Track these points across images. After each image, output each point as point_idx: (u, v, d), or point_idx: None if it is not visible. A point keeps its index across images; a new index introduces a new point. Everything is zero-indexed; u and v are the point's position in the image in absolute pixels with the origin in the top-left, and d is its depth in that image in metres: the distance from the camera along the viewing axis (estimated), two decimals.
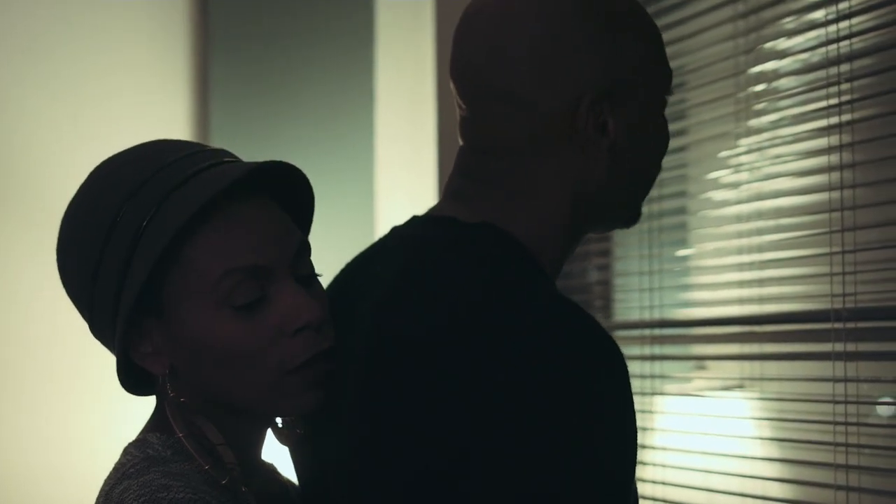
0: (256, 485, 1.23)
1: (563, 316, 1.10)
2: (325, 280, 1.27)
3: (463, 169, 1.29)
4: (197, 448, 1.15)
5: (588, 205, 1.27)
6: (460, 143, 1.31)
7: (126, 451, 1.19)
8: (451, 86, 1.32)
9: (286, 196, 1.25)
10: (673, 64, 2.32)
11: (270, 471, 1.33)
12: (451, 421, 1.07)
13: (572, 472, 1.05)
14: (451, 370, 1.08)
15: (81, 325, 1.23)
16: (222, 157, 1.20)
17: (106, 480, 1.17)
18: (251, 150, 3.32)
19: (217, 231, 1.14)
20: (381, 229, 2.92)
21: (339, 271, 1.35)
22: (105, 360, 1.26)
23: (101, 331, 1.19)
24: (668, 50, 2.32)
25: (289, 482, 1.36)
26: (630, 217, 1.35)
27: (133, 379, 1.22)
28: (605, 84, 1.23)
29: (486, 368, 1.06)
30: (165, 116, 3.18)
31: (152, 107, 3.17)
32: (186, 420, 1.16)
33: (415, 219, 1.30)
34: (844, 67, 1.86)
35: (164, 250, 1.12)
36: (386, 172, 3.04)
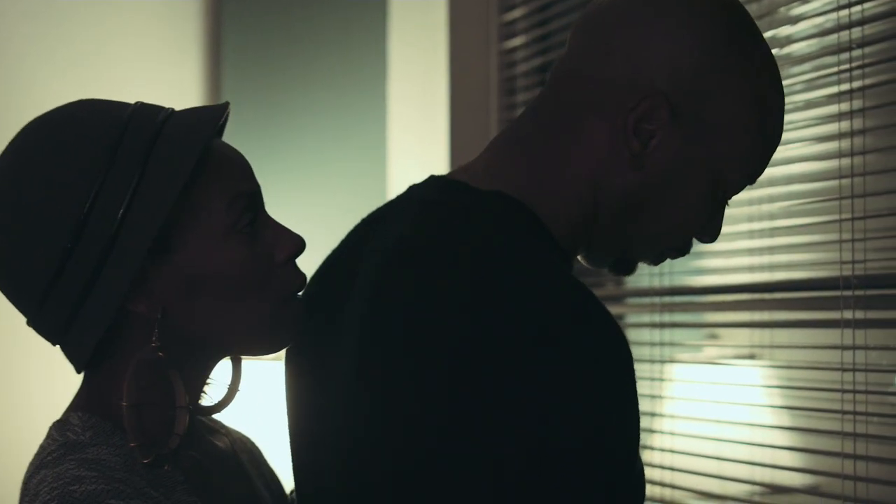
0: (193, 456, 1.20)
1: (566, 299, 1.07)
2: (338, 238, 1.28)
3: (505, 132, 1.27)
4: (132, 423, 1.13)
5: (598, 206, 1.22)
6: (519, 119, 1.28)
7: (49, 434, 1.18)
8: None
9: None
10: None
11: (215, 430, 1.32)
12: (445, 394, 1.04)
13: (570, 455, 1.02)
14: (447, 345, 1.06)
15: None
16: (159, 107, 1.20)
17: (29, 465, 1.16)
18: (263, 116, 3.32)
19: (215, 168, 1.16)
20: (393, 195, 2.91)
21: (354, 226, 1.34)
22: None
23: (60, 312, 1.13)
24: None
25: (239, 439, 1.35)
26: (618, 263, 1.30)
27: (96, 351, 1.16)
28: (679, 100, 1.18)
29: (484, 348, 1.04)
30: (177, 83, 3.18)
31: (164, 73, 3.17)
32: (147, 380, 1.14)
33: (431, 179, 1.28)
34: (856, 32, 1.84)
35: (173, 202, 1.12)
36: (398, 138, 3.03)
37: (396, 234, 1.19)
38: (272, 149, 3.17)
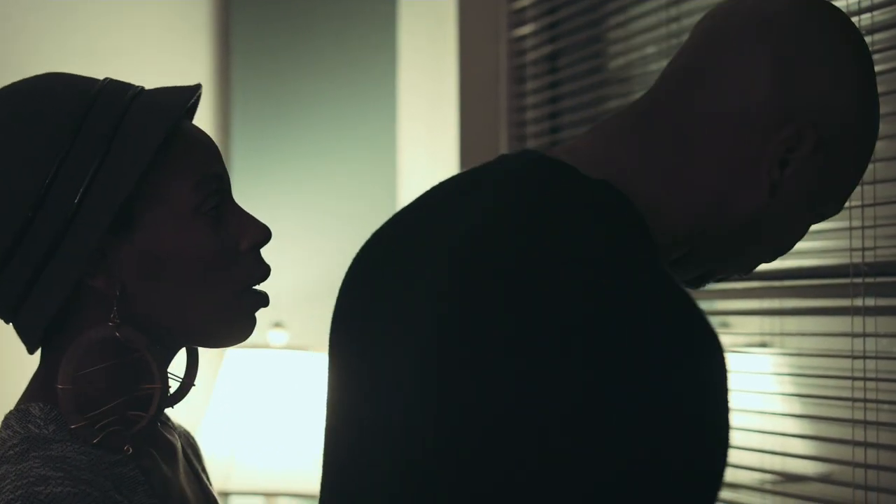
0: (153, 454, 1.18)
1: (668, 300, 1.02)
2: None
3: (618, 124, 1.23)
4: (67, 406, 1.10)
5: (715, 221, 1.19)
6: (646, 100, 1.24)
7: (7, 424, 1.14)
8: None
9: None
10: (687, 6, 2.30)
11: (166, 424, 1.29)
12: (525, 379, 0.99)
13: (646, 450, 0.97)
14: (534, 332, 1.00)
15: None
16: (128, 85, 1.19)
17: None
18: (272, 106, 3.33)
19: (183, 148, 1.15)
20: (403, 184, 2.91)
21: (432, 186, 1.27)
22: None
23: (14, 285, 1.11)
24: (689, 5, 2.30)
25: (182, 433, 1.33)
26: (700, 277, 1.27)
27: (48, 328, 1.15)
28: (825, 134, 1.18)
29: (576, 335, 0.99)
30: (186, 74, 3.18)
31: (173, 64, 3.17)
32: (106, 362, 1.12)
33: (528, 155, 1.20)
34: (866, 19, 1.83)
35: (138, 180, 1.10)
36: (407, 127, 3.03)
37: (488, 208, 1.13)
38: (281, 139, 3.17)
